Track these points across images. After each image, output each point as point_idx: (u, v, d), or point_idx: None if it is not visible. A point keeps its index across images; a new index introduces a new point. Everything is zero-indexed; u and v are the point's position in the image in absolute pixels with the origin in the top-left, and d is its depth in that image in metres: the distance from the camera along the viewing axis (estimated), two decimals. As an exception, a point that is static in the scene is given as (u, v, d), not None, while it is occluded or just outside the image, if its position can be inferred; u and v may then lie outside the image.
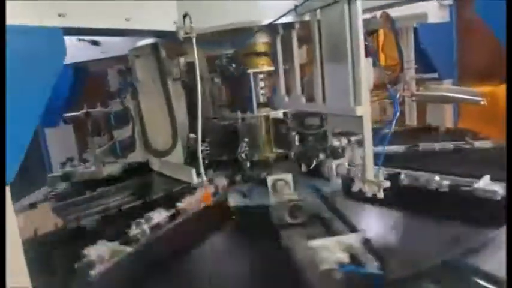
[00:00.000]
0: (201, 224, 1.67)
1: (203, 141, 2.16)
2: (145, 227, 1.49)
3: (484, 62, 3.00)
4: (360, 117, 1.43)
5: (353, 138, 2.10)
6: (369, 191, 1.51)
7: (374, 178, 1.50)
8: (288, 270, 1.31)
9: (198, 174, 1.91)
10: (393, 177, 1.70)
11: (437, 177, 1.68)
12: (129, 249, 1.38)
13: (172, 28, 1.78)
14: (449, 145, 2.34)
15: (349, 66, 1.42)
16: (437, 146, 2.34)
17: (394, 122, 1.56)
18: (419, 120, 3.12)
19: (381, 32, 2.58)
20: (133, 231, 1.46)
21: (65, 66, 2.62)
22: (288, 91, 1.96)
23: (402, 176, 1.79)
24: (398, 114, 1.61)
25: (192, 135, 2.27)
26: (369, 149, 1.49)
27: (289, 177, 1.91)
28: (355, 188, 1.59)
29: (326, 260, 1.27)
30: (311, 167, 2.13)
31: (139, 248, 1.41)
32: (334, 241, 1.38)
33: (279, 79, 1.98)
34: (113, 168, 2.38)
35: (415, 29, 2.83)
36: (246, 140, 2.21)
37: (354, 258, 1.28)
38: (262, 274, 1.41)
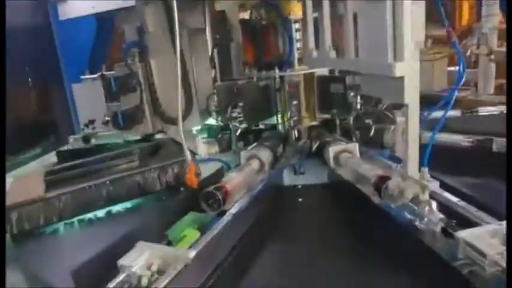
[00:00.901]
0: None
1: (235, 106, 1.87)
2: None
3: None
4: (401, 78, 1.02)
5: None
6: (408, 192, 1.11)
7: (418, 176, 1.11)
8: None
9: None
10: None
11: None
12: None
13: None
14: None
15: (388, 5, 1.00)
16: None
17: (455, 91, 1.11)
18: (498, 90, 2.45)
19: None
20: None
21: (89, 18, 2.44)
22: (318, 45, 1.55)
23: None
24: (463, 79, 1.15)
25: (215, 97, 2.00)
26: (414, 131, 1.09)
27: (354, 147, 1.57)
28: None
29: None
30: (369, 136, 1.80)
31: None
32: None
33: (307, 27, 1.57)
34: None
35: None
36: (295, 102, 1.88)
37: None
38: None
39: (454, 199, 1.16)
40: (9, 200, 1.40)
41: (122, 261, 0.96)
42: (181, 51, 1.79)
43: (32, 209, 1.41)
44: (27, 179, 1.60)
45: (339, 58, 1.34)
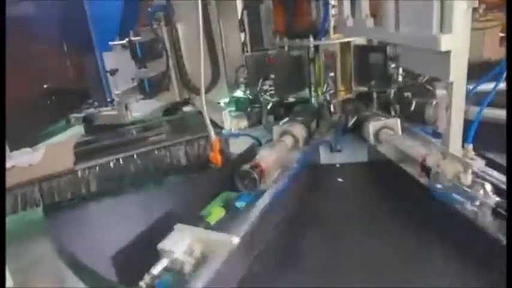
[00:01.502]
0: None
1: (266, 78, 1.79)
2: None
3: None
4: (447, 53, 0.90)
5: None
6: (449, 171, 1.02)
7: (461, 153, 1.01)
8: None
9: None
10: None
11: None
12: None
13: None
14: None
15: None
16: None
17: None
18: None
19: None
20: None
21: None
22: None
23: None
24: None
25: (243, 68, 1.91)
26: (459, 109, 0.97)
27: (396, 123, 1.48)
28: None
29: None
30: (410, 111, 1.68)
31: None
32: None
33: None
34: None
35: None
36: (331, 74, 1.77)
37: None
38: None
39: (503, 178, 1.05)
40: (40, 171, 1.44)
41: (162, 246, 0.91)
42: (208, 17, 1.72)
43: (61, 181, 1.44)
44: (57, 150, 1.62)
45: (377, 27, 1.21)
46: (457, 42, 0.88)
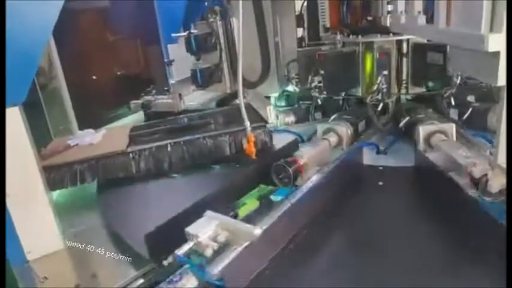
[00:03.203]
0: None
1: (315, 74, 1.78)
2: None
3: None
4: (495, 55, 0.83)
5: None
6: (495, 184, 0.94)
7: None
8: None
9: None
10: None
11: None
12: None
13: None
14: None
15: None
16: None
17: None
18: None
19: None
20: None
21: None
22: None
23: None
24: None
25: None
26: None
27: (450, 128, 1.41)
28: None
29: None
30: (471, 116, 1.59)
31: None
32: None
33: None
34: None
35: None
36: (384, 72, 1.71)
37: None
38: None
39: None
40: (97, 151, 1.58)
41: (189, 229, 0.96)
42: (262, 12, 1.74)
43: (115, 161, 1.56)
44: (115, 133, 1.76)
45: (428, 25, 1.14)
46: (508, 43, 0.80)
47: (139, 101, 2.20)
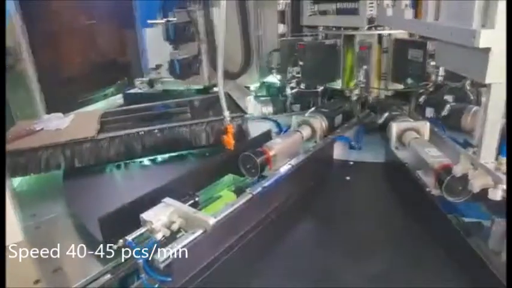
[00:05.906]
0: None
1: (294, 65, 1.73)
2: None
3: None
4: (486, 51, 0.80)
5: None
6: (476, 184, 0.92)
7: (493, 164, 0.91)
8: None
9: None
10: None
11: None
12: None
13: None
14: None
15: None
16: None
17: None
18: None
19: None
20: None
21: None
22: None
23: None
24: None
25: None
26: (495, 114, 0.87)
27: (424, 125, 1.39)
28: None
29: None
30: (443, 114, 1.57)
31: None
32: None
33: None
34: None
35: None
36: (364, 67, 1.67)
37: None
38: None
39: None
40: (65, 137, 1.49)
41: (144, 215, 0.96)
42: (243, 3, 1.68)
43: (83, 148, 1.47)
44: (84, 118, 1.66)
45: (415, 19, 1.11)
46: (499, 39, 0.78)
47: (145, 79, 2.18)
